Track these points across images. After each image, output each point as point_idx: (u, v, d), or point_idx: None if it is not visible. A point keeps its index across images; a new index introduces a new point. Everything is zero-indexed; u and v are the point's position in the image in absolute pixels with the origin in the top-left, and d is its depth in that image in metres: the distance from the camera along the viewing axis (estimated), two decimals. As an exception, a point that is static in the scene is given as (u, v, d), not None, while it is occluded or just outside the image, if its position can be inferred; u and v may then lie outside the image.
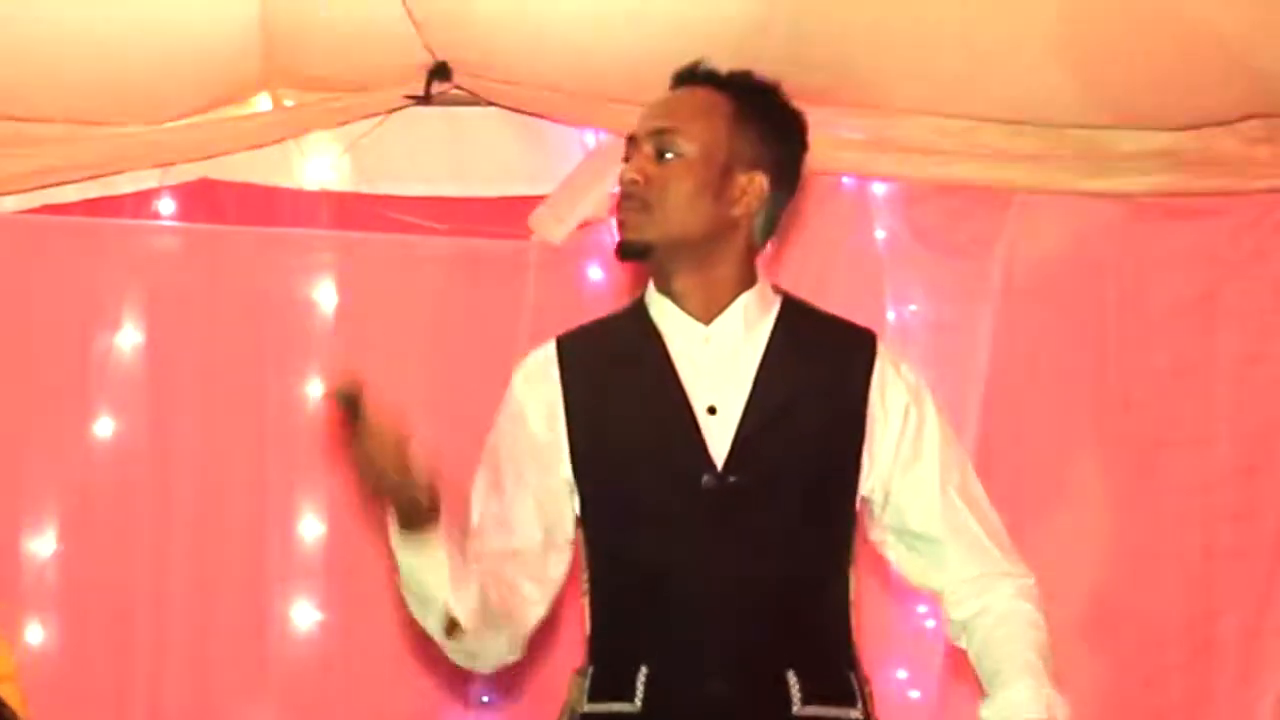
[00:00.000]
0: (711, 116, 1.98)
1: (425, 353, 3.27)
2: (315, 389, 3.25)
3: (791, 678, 1.93)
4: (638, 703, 1.94)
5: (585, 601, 2.05)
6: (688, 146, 1.96)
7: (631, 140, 2.01)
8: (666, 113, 2.00)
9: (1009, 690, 1.92)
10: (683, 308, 2.00)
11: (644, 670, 1.94)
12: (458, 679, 3.22)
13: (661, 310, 2.01)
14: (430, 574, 1.85)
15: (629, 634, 1.99)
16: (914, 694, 3.27)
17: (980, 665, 1.98)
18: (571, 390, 2.02)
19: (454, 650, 1.95)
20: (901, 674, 3.26)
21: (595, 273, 3.28)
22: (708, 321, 2.00)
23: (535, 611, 2.02)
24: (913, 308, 3.36)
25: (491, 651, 1.99)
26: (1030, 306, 3.36)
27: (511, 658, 2.03)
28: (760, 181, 1.98)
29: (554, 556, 2.04)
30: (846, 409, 2.00)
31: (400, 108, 3.24)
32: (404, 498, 1.80)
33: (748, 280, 2.02)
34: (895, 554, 2.07)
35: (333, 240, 3.35)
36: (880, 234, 3.36)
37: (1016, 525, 2.18)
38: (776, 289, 2.08)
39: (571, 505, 2.03)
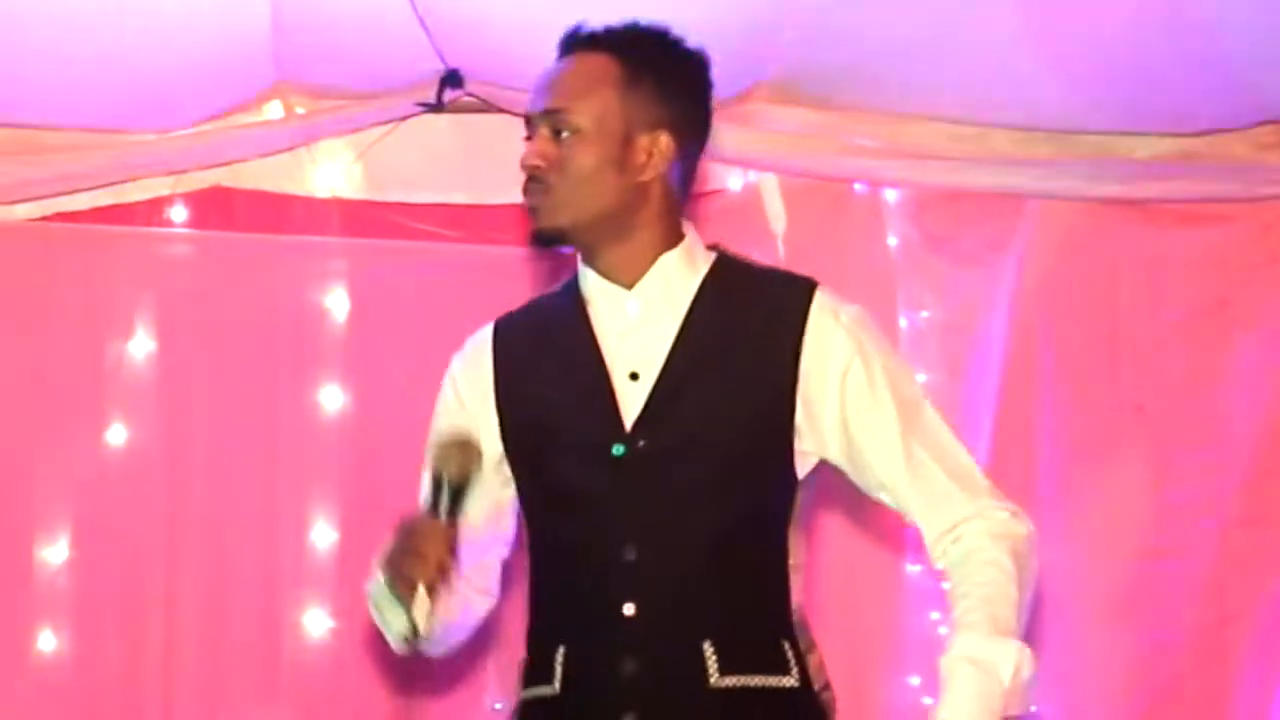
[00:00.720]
0: (600, 85, 1.89)
1: (437, 358, 3.27)
2: (328, 395, 3.27)
3: (708, 648, 1.84)
4: (556, 685, 1.89)
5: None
6: (581, 121, 1.87)
7: (528, 121, 1.94)
8: (554, 90, 1.92)
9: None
10: (608, 277, 1.93)
11: (561, 651, 1.89)
12: (472, 687, 3.23)
13: (588, 281, 1.96)
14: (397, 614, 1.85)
15: (552, 615, 1.95)
16: (927, 700, 3.27)
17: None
18: (502, 369, 1.98)
19: (405, 650, 1.92)
20: (914, 680, 3.26)
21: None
22: (630, 286, 1.93)
23: (485, 603, 2.03)
24: (925, 314, 3.36)
25: (445, 645, 2.01)
26: (1042, 312, 3.36)
27: (460, 640, 2.04)
28: (664, 141, 1.89)
29: (498, 549, 2.03)
30: (776, 363, 1.89)
31: (412, 115, 3.25)
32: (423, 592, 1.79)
33: (671, 240, 1.94)
34: (885, 502, 1.96)
35: (344, 248, 3.36)
36: (892, 240, 3.36)
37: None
38: (712, 246, 2.00)
39: (510, 492, 1.99)
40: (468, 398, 2.01)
